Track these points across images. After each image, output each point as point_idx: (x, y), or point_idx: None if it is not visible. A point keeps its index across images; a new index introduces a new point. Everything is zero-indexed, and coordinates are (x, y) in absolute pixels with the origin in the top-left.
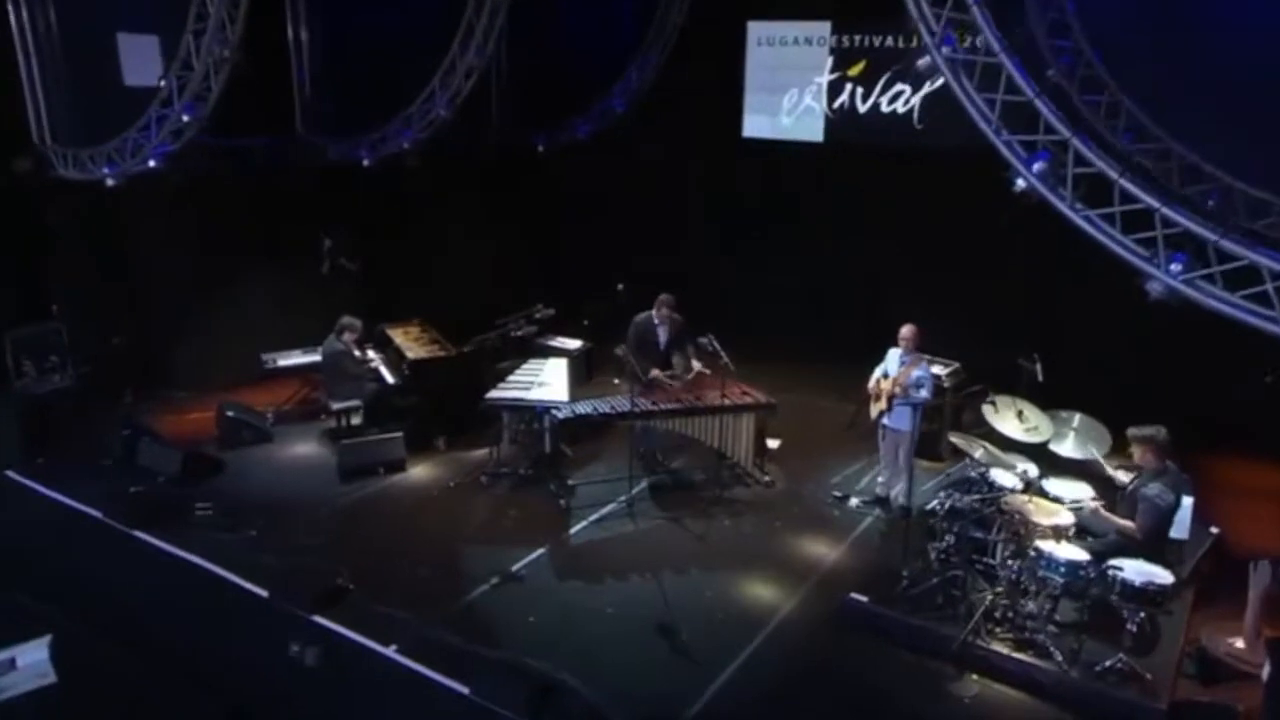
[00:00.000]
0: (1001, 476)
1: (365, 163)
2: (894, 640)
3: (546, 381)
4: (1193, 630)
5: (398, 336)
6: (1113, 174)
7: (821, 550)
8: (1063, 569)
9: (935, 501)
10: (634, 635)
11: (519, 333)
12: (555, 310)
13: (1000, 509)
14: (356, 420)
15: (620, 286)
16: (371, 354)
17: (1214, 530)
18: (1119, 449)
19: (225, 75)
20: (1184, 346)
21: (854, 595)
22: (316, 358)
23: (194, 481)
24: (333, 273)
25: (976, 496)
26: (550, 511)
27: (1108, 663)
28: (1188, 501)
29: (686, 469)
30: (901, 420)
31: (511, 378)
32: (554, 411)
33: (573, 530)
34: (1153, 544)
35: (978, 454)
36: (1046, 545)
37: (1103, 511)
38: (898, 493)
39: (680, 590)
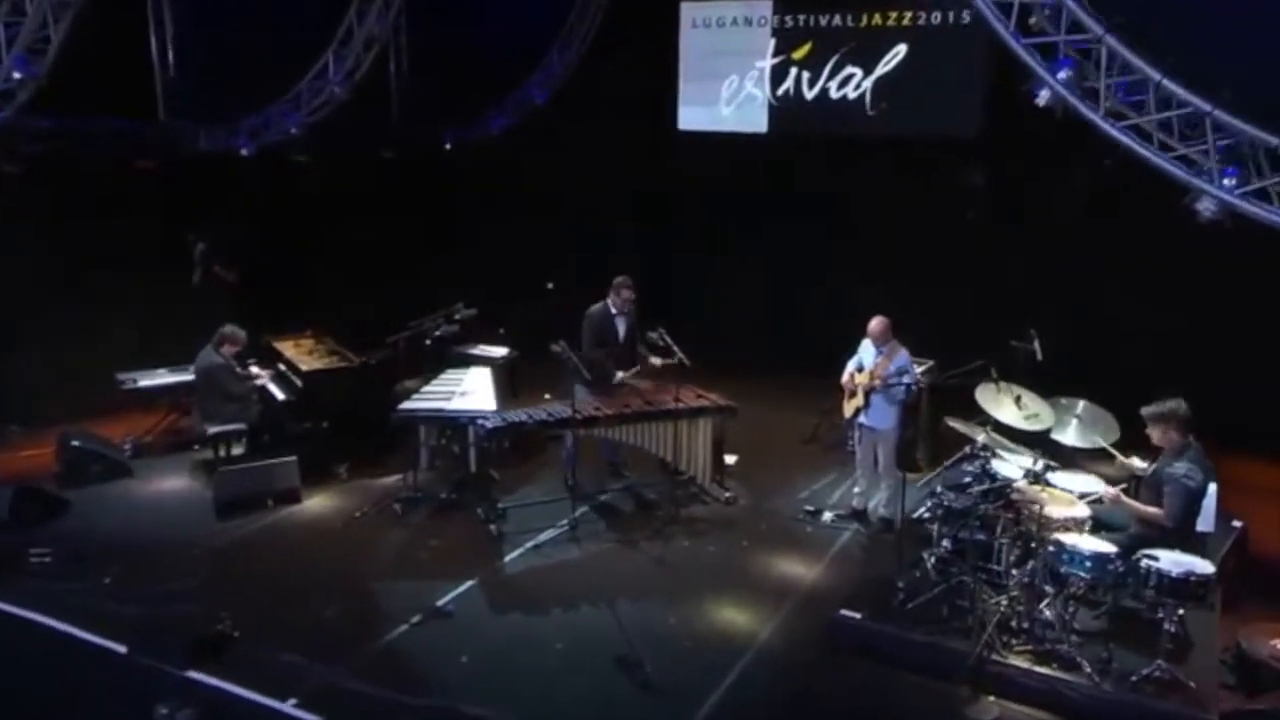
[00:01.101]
0: (1004, 468)
1: (244, 152)
2: (894, 660)
3: (469, 390)
4: (1225, 633)
5: (288, 349)
6: (1155, 75)
7: (798, 569)
8: (1088, 563)
9: (924, 509)
10: (590, 671)
11: (438, 333)
12: (477, 310)
13: (1009, 501)
14: (238, 449)
15: (550, 286)
16: (256, 369)
17: (1237, 524)
18: (1127, 441)
19: (67, 24)
20: (1187, 338)
21: (844, 612)
22: (187, 376)
23: (27, 525)
24: (206, 282)
25: (981, 488)
26: (479, 539)
27: (1145, 671)
28: (1211, 488)
29: (637, 485)
30: (881, 417)
31: (428, 388)
32: (481, 422)
33: (507, 559)
34: (1183, 532)
35: (980, 438)
36: (1068, 538)
37: (1124, 498)
38: (877, 503)
39: (640, 619)
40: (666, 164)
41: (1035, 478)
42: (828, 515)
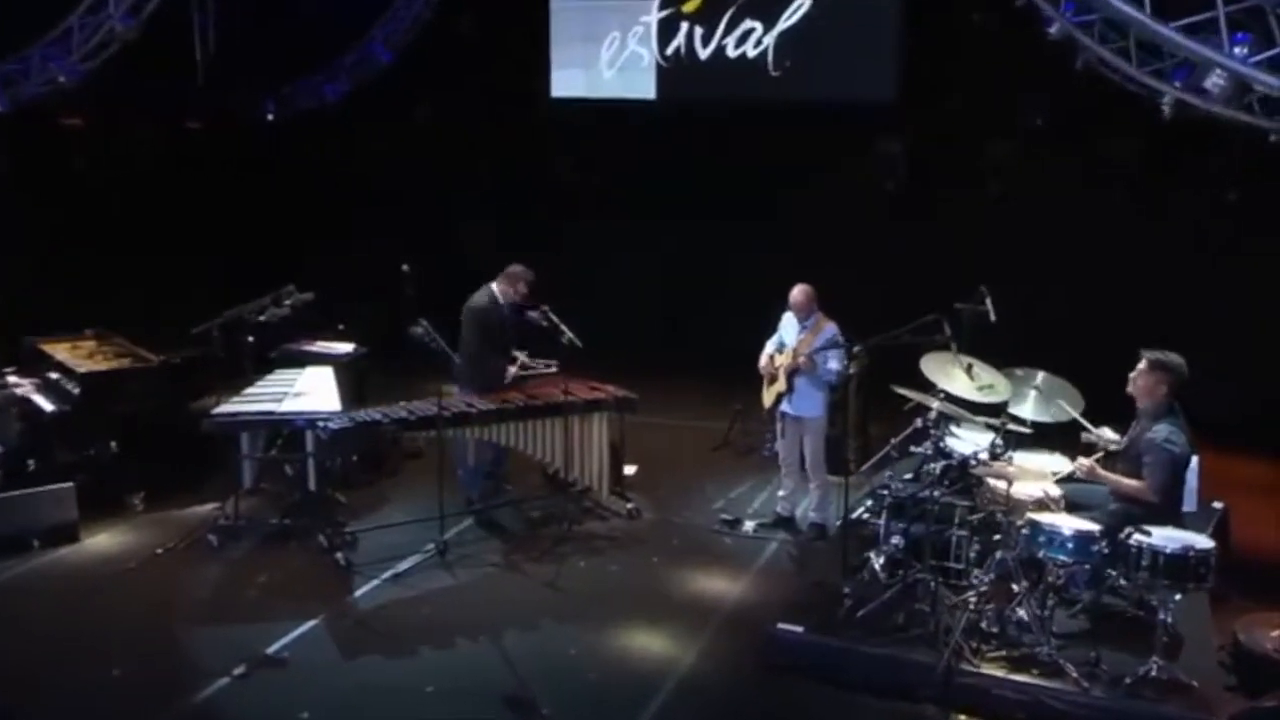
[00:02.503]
0: (960, 445)
1: None
2: (845, 678)
3: (306, 391)
4: (1219, 627)
5: (60, 352)
6: None
7: (721, 584)
8: (1070, 545)
9: (863, 508)
10: (471, 717)
11: (261, 318)
12: (313, 295)
13: (970, 483)
14: None
15: (405, 268)
16: (15, 378)
17: (1218, 505)
18: (1092, 415)
19: None
20: (1142, 318)
21: (782, 625)
22: None
23: None
24: None
25: (935, 467)
26: (322, 572)
27: (1140, 671)
28: (1193, 461)
29: (519, 500)
30: (809, 404)
31: (252, 390)
32: (322, 424)
33: (359, 592)
34: (1170, 507)
35: (935, 405)
36: (1045, 518)
37: (1100, 469)
38: (807, 507)
39: (533, 652)
40: (539, 137)
41: (994, 454)
42: (749, 525)
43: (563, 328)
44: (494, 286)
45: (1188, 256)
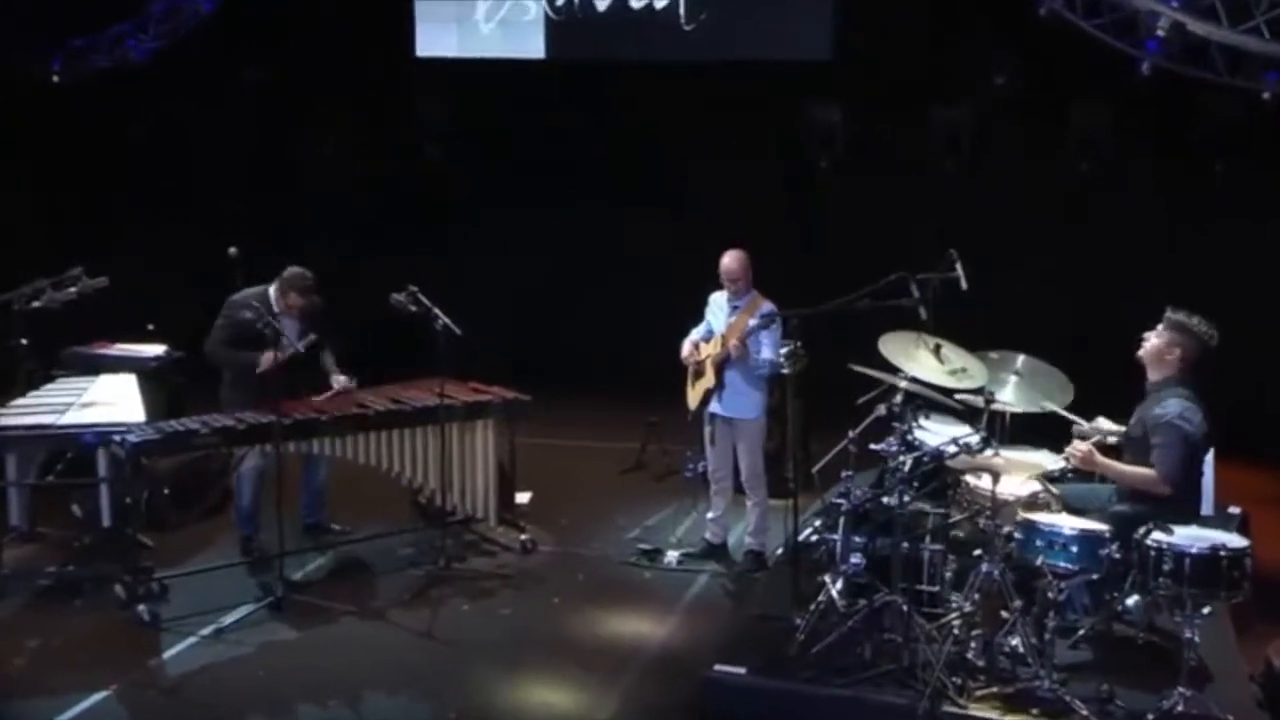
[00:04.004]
0: (931, 438)
1: None
2: None
3: (99, 401)
4: (1246, 651)
5: None
6: None
7: (640, 626)
8: (1074, 549)
9: (812, 529)
10: None
11: (37, 304)
12: (108, 281)
13: (946, 482)
14: None
15: (233, 252)
16: None
17: (1235, 510)
18: (1084, 407)
19: None
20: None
21: (720, 668)
22: None
23: None
24: None
25: (902, 464)
26: (119, 631)
27: (1164, 705)
28: (1209, 456)
29: (378, 535)
30: (742, 403)
31: (24, 400)
32: (120, 438)
33: (169, 653)
34: (1186, 500)
35: (903, 385)
36: (1042, 517)
37: (1099, 456)
38: (742, 532)
39: (402, 718)
40: (401, 104)
41: (972, 446)
42: (672, 556)
43: (436, 311)
44: (270, 290)
45: (1169, 233)
